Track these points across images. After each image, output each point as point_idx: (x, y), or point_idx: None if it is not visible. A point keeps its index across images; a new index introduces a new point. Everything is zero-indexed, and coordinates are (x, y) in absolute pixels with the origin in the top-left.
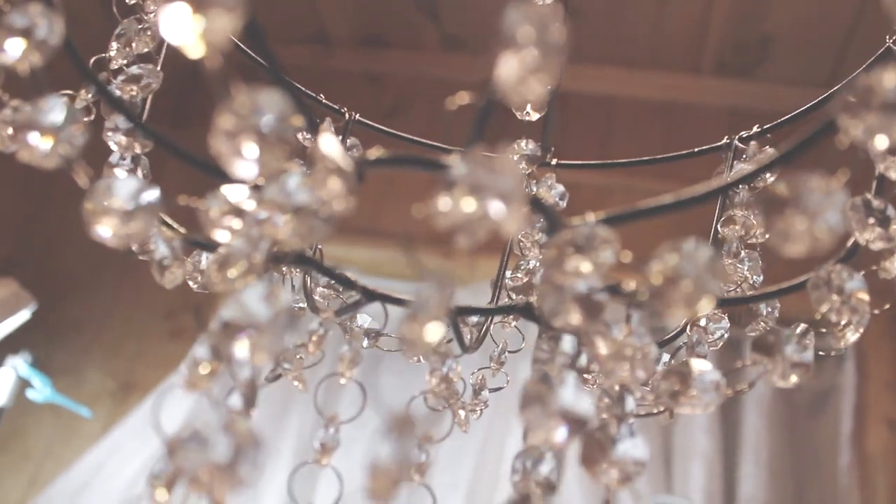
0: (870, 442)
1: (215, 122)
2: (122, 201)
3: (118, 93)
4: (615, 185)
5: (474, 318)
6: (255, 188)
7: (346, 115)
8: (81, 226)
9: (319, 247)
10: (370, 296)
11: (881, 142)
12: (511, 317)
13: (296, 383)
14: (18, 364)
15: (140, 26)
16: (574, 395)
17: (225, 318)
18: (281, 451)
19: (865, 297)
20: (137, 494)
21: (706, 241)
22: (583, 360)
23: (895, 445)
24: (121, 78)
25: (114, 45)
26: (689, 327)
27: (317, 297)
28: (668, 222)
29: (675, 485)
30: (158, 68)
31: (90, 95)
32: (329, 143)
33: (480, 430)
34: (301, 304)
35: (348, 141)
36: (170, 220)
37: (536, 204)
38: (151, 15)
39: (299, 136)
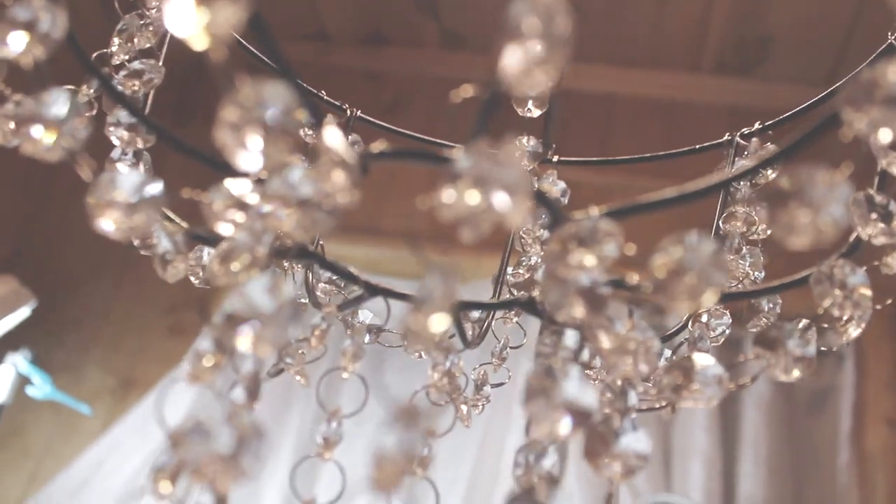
0: (869, 440)
1: (220, 114)
2: (125, 194)
3: (120, 88)
4: (615, 184)
5: (476, 315)
6: (259, 182)
7: (348, 112)
8: (81, 223)
9: (321, 243)
10: (373, 290)
11: (885, 135)
12: (512, 312)
13: (298, 378)
14: (18, 361)
15: (142, 22)
16: (578, 388)
17: (228, 310)
18: (281, 446)
19: (868, 292)
20: (140, 487)
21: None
22: (585, 355)
23: (894, 444)
24: (123, 73)
25: (115, 40)
26: (690, 323)
27: (318, 294)
28: (668, 220)
29: (674, 483)
30: (160, 64)
31: (92, 91)
32: (333, 136)
33: (480, 427)
34: (303, 300)
35: (350, 137)
36: (172, 215)
37: (540, 197)
38: (153, 10)
39: (302, 131)
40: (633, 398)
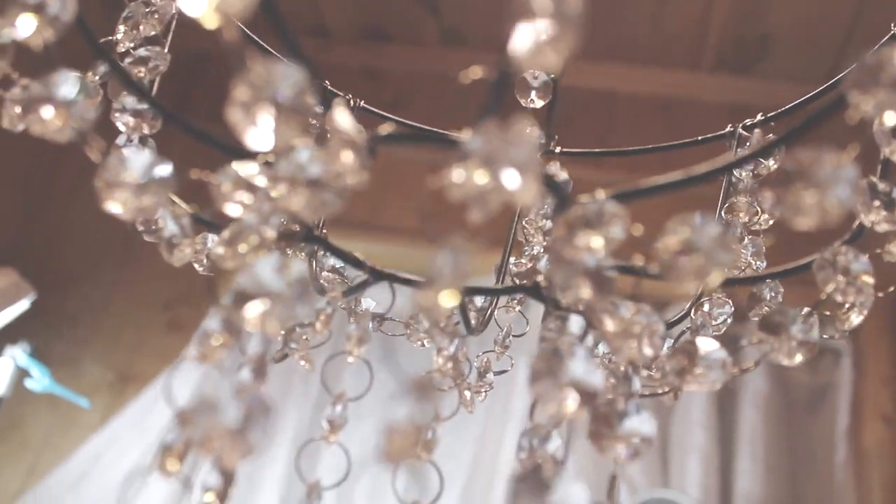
0: (866, 438)
1: (231, 93)
2: (134, 175)
3: (126, 72)
4: (615, 181)
5: (478, 303)
6: (266, 164)
7: (351, 103)
8: (82, 217)
9: (324, 231)
10: (378, 276)
11: (890, 118)
12: (515, 301)
13: (302, 363)
14: (17, 354)
15: (147, 9)
16: (584, 368)
17: (237, 288)
18: (281, 434)
19: (870, 279)
20: (147, 465)
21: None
22: (589, 341)
23: (891, 441)
24: (128, 60)
25: (121, 27)
26: (692, 311)
27: (322, 282)
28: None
29: (671, 480)
30: (166, 51)
31: (97, 77)
32: (342, 117)
33: (478, 421)
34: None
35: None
36: (178, 200)
37: (547, 181)
38: None
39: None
40: (636, 384)
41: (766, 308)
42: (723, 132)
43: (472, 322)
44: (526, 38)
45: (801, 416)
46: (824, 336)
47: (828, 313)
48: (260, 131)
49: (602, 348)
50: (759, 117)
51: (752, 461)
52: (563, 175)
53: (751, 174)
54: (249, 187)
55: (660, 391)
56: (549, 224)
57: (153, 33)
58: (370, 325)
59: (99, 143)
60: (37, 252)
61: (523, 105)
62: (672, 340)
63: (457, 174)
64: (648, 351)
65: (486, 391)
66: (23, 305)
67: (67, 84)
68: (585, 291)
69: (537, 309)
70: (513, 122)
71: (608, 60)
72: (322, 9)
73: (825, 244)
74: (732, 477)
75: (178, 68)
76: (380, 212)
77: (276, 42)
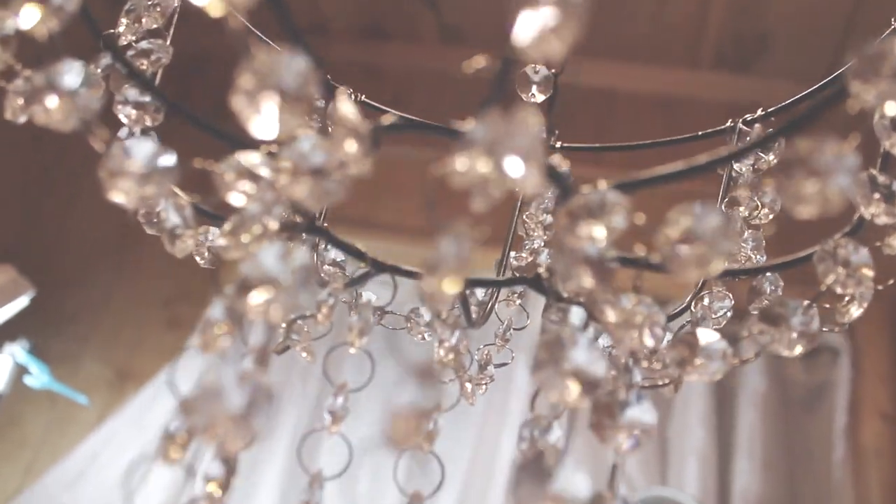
0: (864, 436)
1: (236, 81)
2: (138, 164)
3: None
4: (613, 179)
5: (479, 297)
6: (269, 154)
7: (352, 97)
8: (82, 214)
9: (325, 225)
10: (379, 267)
11: (891, 108)
12: (516, 294)
13: (304, 354)
14: (16, 351)
15: (149, 2)
16: (587, 356)
17: (241, 276)
18: (280, 428)
19: (870, 271)
20: (151, 452)
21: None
22: (591, 332)
23: (889, 439)
24: (130, 53)
25: (123, 20)
26: (693, 305)
27: (323, 276)
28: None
29: (669, 478)
30: (168, 43)
31: (100, 70)
32: (346, 106)
33: (475, 425)
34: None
35: None
36: (179, 192)
37: (550, 171)
38: None
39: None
40: (637, 375)
41: (766, 302)
42: (723, 127)
43: (473, 315)
44: (530, 25)
45: (799, 414)
46: (824, 329)
47: (827, 306)
48: (264, 119)
49: (603, 341)
50: (759, 112)
51: (751, 459)
52: (563, 168)
53: (751, 169)
54: (252, 177)
55: (660, 383)
56: (549, 218)
57: (155, 27)
58: (371, 317)
59: (103, 133)
60: (36, 249)
61: (524, 100)
62: (672, 334)
63: (460, 162)
64: (649, 341)
65: (486, 383)
66: (22, 302)
67: (72, 73)
68: (587, 281)
69: (538, 303)
70: (516, 110)
71: (607, 58)
72: (322, 7)
73: (825, 238)
74: (730, 475)
75: (178, 68)
76: (378, 209)
77: (278, 37)
